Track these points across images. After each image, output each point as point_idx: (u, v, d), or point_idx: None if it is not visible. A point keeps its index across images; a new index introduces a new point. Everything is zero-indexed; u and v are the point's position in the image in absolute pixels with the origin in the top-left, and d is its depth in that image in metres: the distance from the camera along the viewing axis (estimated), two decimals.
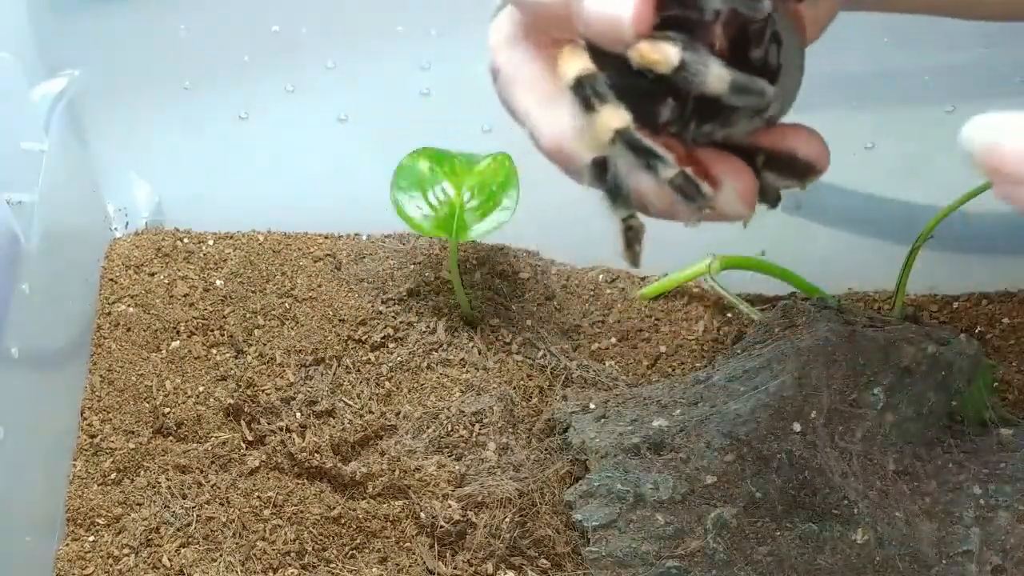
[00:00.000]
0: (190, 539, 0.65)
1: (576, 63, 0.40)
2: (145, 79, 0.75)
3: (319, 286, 0.72)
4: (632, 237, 0.43)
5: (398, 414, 0.67)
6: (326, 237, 0.76)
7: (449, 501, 0.63)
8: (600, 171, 0.41)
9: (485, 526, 0.63)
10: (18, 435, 0.61)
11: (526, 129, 0.45)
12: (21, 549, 0.63)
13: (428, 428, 0.66)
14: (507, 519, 0.63)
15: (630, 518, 0.61)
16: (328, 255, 0.74)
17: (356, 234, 0.76)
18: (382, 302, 0.71)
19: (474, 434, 0.66)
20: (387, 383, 0.68)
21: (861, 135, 0.73)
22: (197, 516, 0.65)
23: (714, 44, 0.40)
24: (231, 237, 0.76)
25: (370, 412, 0.67)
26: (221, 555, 0.64)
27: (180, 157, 0.78)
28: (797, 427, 0.61)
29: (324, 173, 0.77)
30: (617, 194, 0.41)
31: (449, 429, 0.66)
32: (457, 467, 0.64)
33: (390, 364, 0.69)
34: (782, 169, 0.43)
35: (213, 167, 0.78)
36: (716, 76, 0.39)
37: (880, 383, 0.63)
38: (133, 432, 0.68)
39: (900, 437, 0.63)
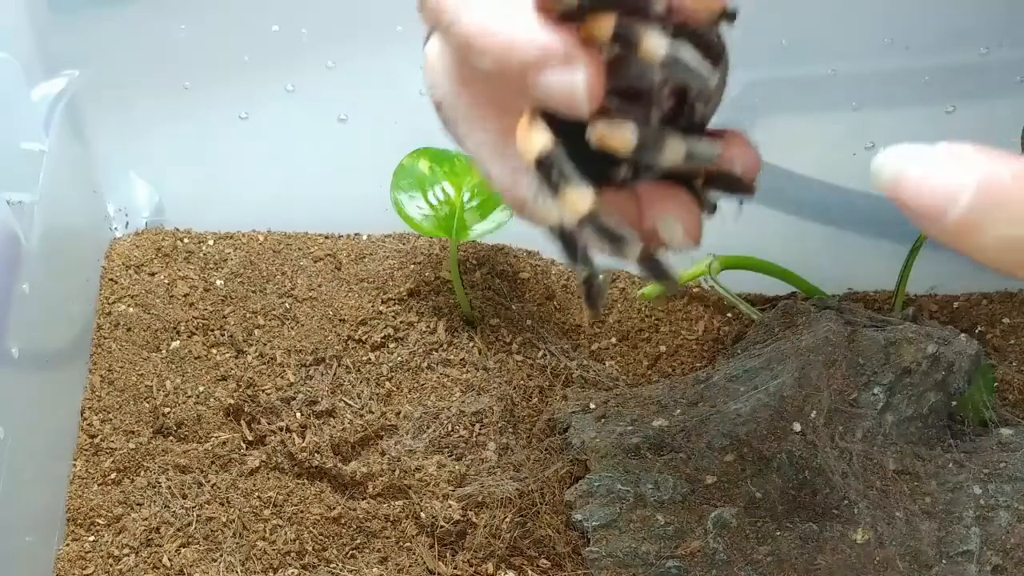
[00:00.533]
0: (190, 539, 0.64)
1: (537, 138, 0.40)
2: (145, 79, 0.75)
3: (319, 286, 0.72)
4: (595, 294, 0.43)
5: (398, 414, 0.67)
6: (326, 237, 0.76)
7: (449, 501, 0.63)
8: (560, 233, 0.41)
9: (485, 526, 0.63)
10: (18, 435, 0.61)
11: (475, 165, 0.45)
12: (21, 549, 0.63)
13: (428, 428, 0.66)
14: (507, 519, 0.63)
15: (630, 518, 0.61)
16: (328, 255, 0.74)
17: (356, 234, 0.76)
18: (382, 302, 0.71)
19: (474, 434, 0.66)
20: (387, 383, 0.68)
21: (861, 135, 0.73)
22: (197, 516, 0.65)
23: (663, 108, 0.40)
24: (231, 237, 0.76)
25: (370, 412, 0.67)
26: (221, 555, 0.64)
27: (180, 157, 0.78)
28: (797, 427, 0.61)
29: (324, 173, 0.77)
30: (580, 259, 0.41)
31: (449, 429, 0.66)
32: (457, 467, 0.64)
33: (390, 364, 0.69)
34: (722, 187, 0.43)
35: (213, 167, 0.78)
36: (672, 150, 0.40)
37: (880, 383, 0.63)
38: (133, 432, 0.68)
39: (900, 437, 0.63)
